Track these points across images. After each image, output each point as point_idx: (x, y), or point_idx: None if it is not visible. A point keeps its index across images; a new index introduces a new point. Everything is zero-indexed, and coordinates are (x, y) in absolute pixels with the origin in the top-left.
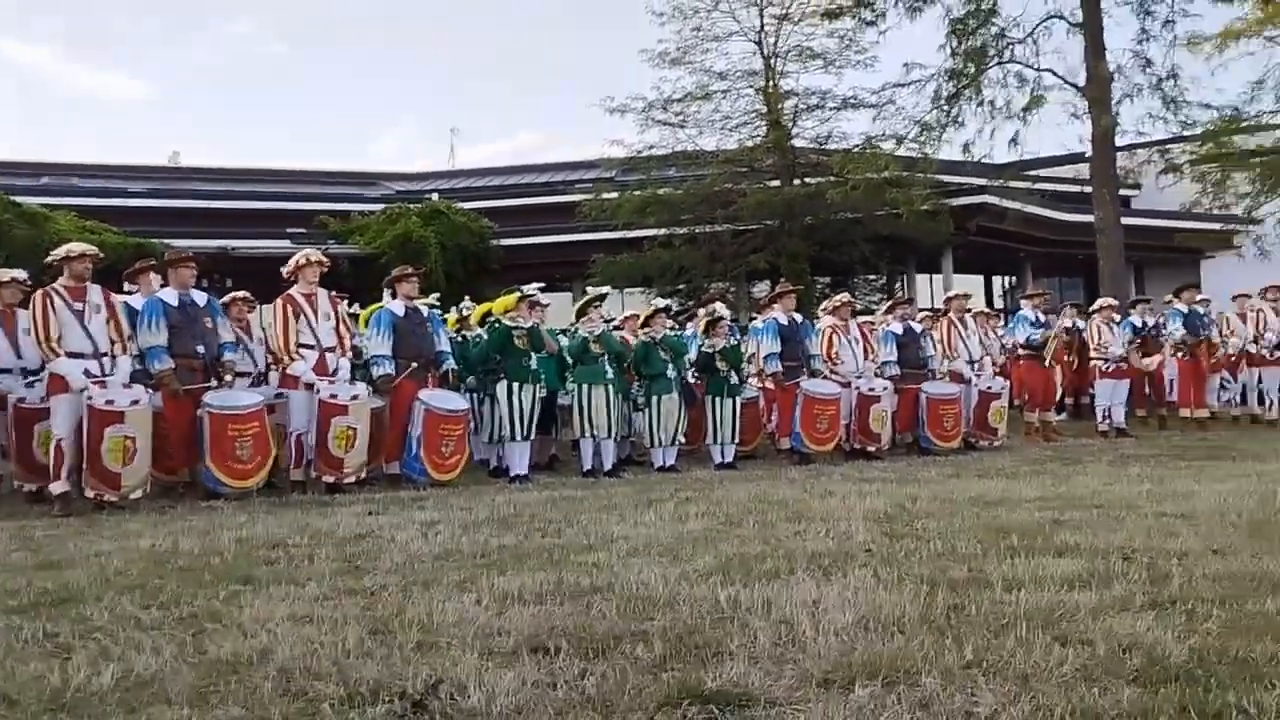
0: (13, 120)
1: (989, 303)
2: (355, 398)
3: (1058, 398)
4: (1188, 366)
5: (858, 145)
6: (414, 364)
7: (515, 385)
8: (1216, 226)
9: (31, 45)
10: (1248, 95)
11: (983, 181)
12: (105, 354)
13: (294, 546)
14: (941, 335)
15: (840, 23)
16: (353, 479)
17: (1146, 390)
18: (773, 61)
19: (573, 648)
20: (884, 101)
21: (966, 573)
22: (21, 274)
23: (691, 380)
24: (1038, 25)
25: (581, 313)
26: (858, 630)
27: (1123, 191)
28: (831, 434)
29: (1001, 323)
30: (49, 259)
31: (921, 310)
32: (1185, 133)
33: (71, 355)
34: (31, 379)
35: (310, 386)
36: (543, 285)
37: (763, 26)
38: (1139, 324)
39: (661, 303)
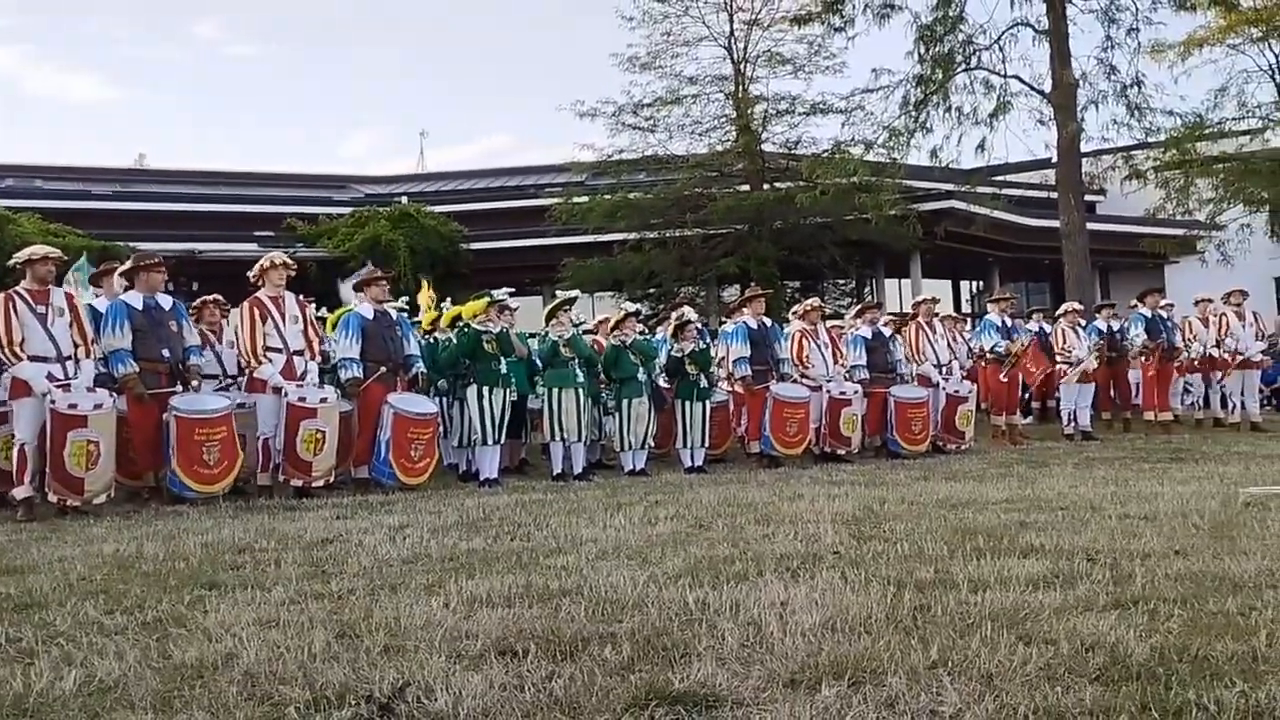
0: None
1: (956, 307)
2: (324, 401)
3: (1025, 401)
4: (1150, 370)
5: (827, 150)
6: (383, 368)
7: (485, 389)
8: (1180, 232)
9: None
10: (1210, 102)
11: (950, 187)
12: (68, 357)
13: (260, 551)
14: (909, 339)
15: (809, 29)
16: (321, 483)
17: (1112, 394)
18: (742, 67)
19: (540, 650)
20: (853, 107)
21: (933, 574)
22: None
23: (661, 384)
24: (1004, 32)
25: (551, 316)
26: (825, 631)
27: (1088, 197)
28: (801, 437)
29: (969, 327)
30: (11, 262)
31: (890, 314)
32: (1149, 139)
33: (34, 359)
34: None
35: (278, 390)
36: (512, 289)
37: (732, 32)
38: (1104, 328)
39: (631, 307)
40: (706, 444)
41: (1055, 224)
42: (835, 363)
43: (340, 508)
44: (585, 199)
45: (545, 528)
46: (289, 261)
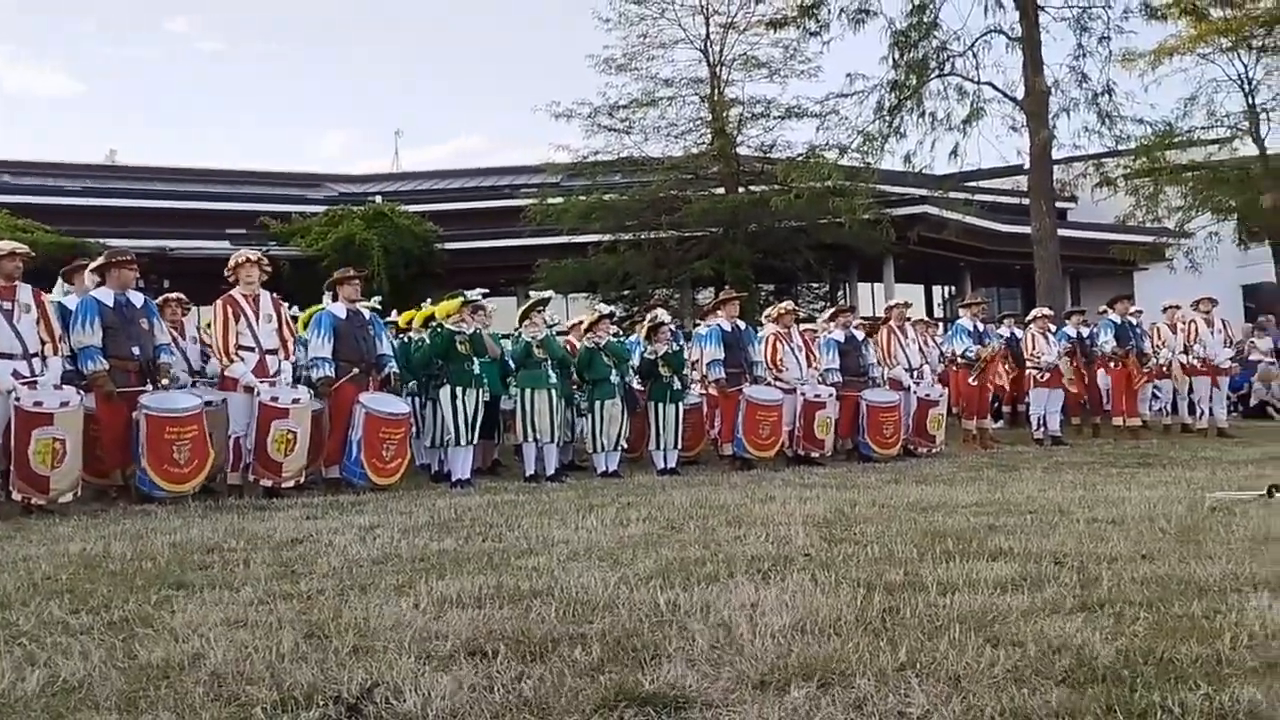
0: None
1: (929, 312)
2: (296, 401)
3: (995, 406)
4: (1119, 376)
5: (801, 154)
6: (355, 368)
7: (458, 390)
8: (1149, 239)
9: None
10: (1180, 111)
11: (923, 192)
12: (35, 354)
13: (229, 551)
14: (882, 343)
15: (785, 32)
16: (291, 483)
17: (1083, 400)
18: (718, 70)
19: (510, 651)
20: (827, 111)
21: (902, 576)
22: None
23: (635, 386)
24: (978, 39)
25: (525, 317)
26: (794, 633)
27: (1059, 204)
28: (773, 440)
29: (941, 331)
30: None
31: (862, 318)
32: (1120, 147)
33: (0, 356)
34: None
35: (250, 389)
36: (486, 290)
37: (708, 35)
38: (1074, 334)
39: (605, 308)
40: (679, 446)
41: (1027, 230)
42: (808, 366)
43: (310, 508)
44: (560, 200)
45: (517, 529)
46: (264, 259)
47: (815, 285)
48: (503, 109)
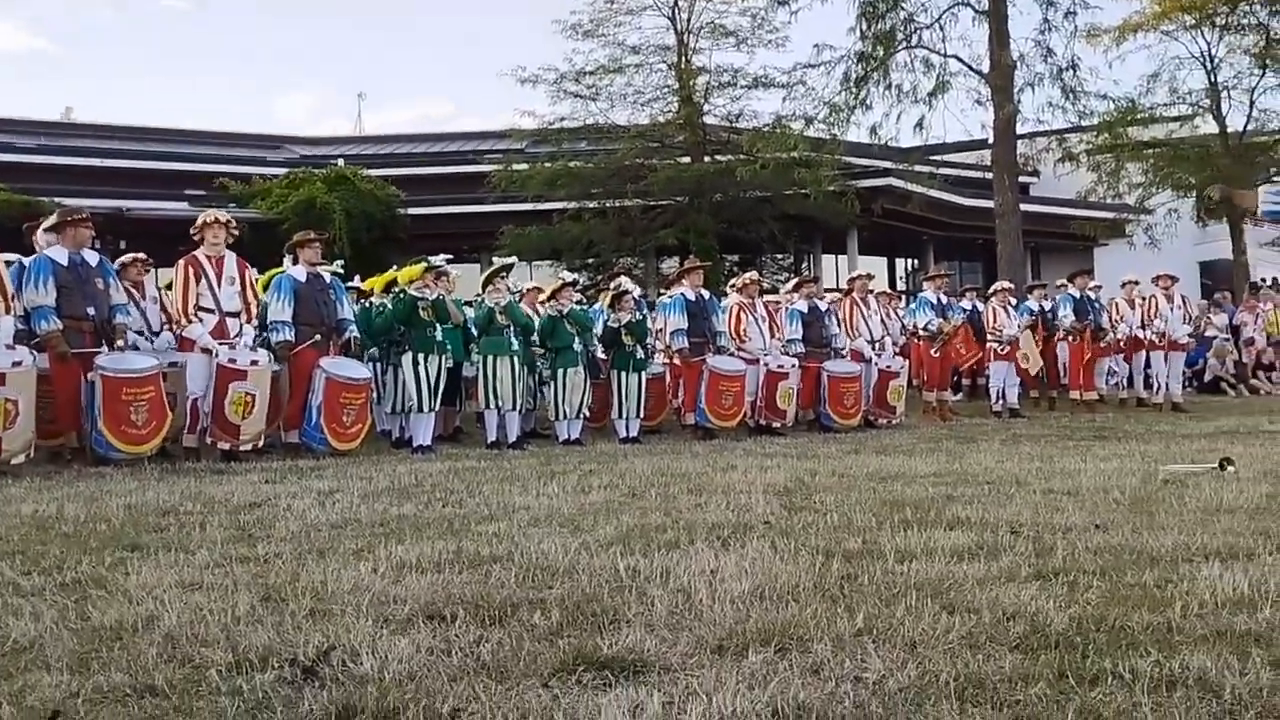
0: None
1: (892, 284)
2: (255, 363)
3: (955, 379)
4: (1077, 350)
5: (768, 124)
6: (316, 333)
7: (420, 356)
8: (1110, 215)
9: None
10: (1143, 88)
11: (888, 165)
12: None
13: (185, 514)
14: (844, 315)
15: (753, 1)
16: (250, 447)
17: (1040, 374)
18: (685, 37)
19: (469, 615)
20: (794, 82)
21: (861, 544)
22: None
23: (598, 355)
24: (945, 11)
25: (488, 283)
26: (753, 599)
27: (1022, 178)
28: (735, 410)
29: (903, 304)
30: None
31: (826, 290)
32: (1082, 123)
33: None
34: None
35: (207, 350)
36: (450, 256)
37: (676, 2)
38: (1035, 308)
39: (569, 276)
40: (641, 415)
41: (989, 204)
42: (772, 336)
43: (269, 472)
44: (525, 166)
45: (478, 495)
46: (230, 221)
47: (779, 256)
48: (468, 73)
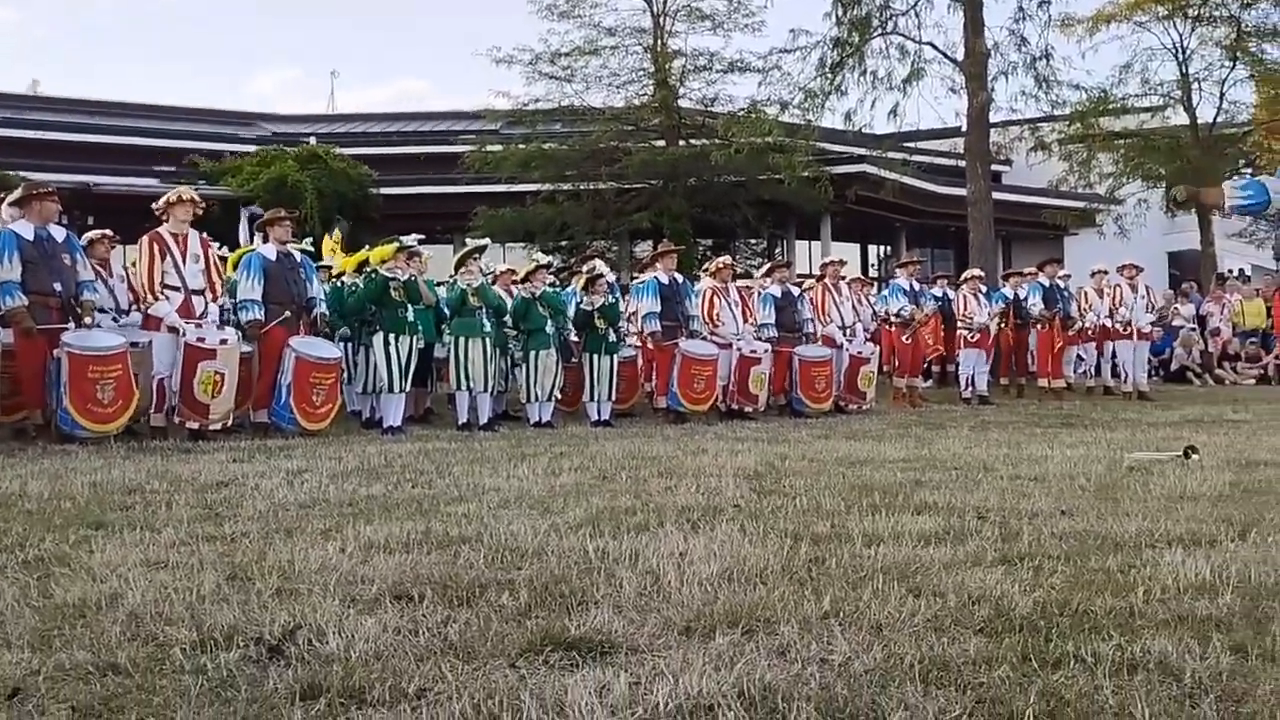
0: None
1: (864, 270)
2: (224, 342)
3: (925, 365)
4: (1045, 338)
5: (743, 109)
6: (286, 312)
7: (391, 336)
8: (1081, 205)
9: None
10: (1115, 78)
11: (862, 151)
12: None
13: (151, 492)
14: (817, 300)
15: None
16: (218, 426)
17: (1012, 360)
18: (662, 20)
19: (437, 595)
20: (770, 66)
21: (829, 528)
22: None
23: (571, 338)
24: None
25: (460, 264)
26: (721, 581)
27: (994, 167)
28: (708, 394)
29: (875, 290)
30: None
31: (799, 275)
32: (1055, 112)
33: None
34: None
35: (174, 329)
36: (422, 236)
37: None
38: (1010, 295)
39: (543, 258)
40: (613, 398)
41: (962, 192)
42: (744, 321)
43: (237, 451)
44: (499, 148)
45: (448, 476)
46: (196, 198)
47: (753, 241)
48: (443, 53)
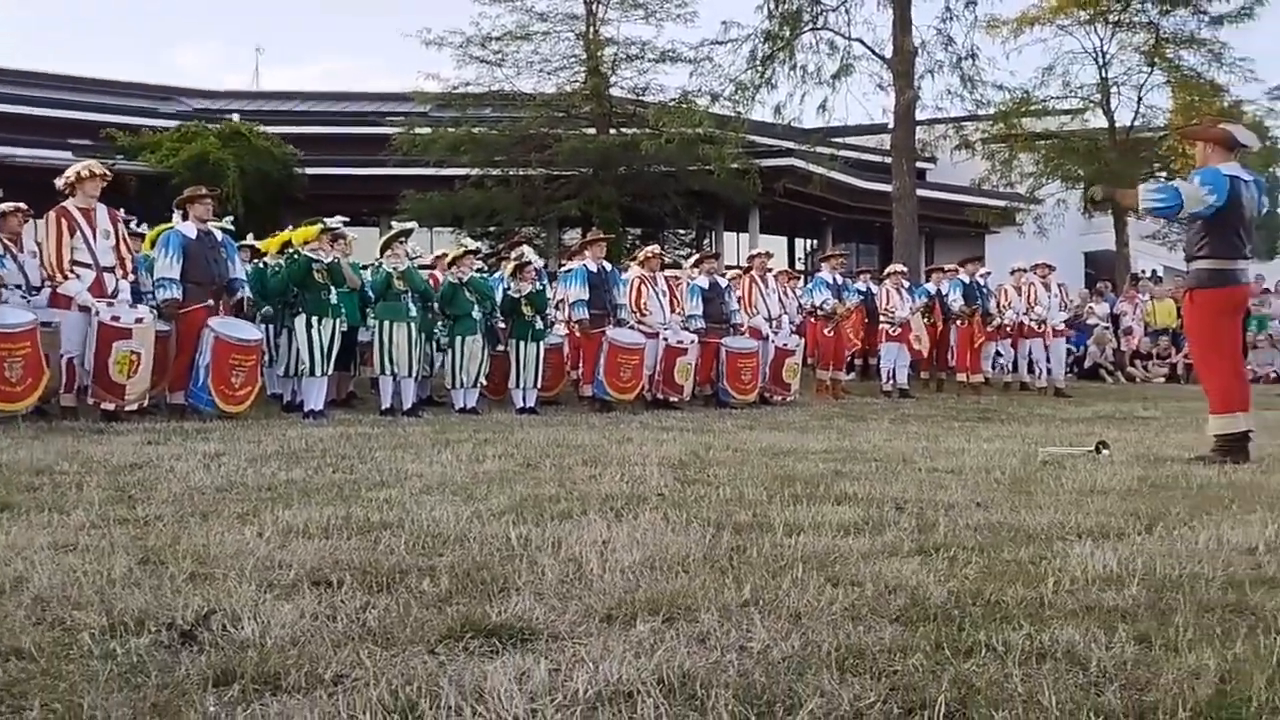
0: None
1: (791, 263)
2: (139, 321)
3: (849, 358)
4: (965, 334)
5: (674, 99)
6: (207, 294)
7: (314, 319)
8: (1002, 204)
9: None
10: (1038, 80)
11: (791, 145)
12: None
13: (61, 474)
14: (744, 292)
15: None
16: (134, 407)
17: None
18: (594, 7)
19: (356, 581)
20: (701, 58)
21: (751, 517)
22: None
23: (498, 325)
24: None
25: (386, 247)
26: (644, 569)
27: (919, 164)
28: (634, 383)
29: (801, 283)
30: None
31: (727, 267)
32: (979, 112)
33: None
34: None
35: (85, 308)
36: (347, 219)
37: None
38: (933, 291)
39: (471, 244)
40: (539, 385)
41: (888, 188)
42: (672, 311)
43: (151, 433)
44: (428, 131)
45: (369, 461)
46: (105, 172)
47: (682, 232)
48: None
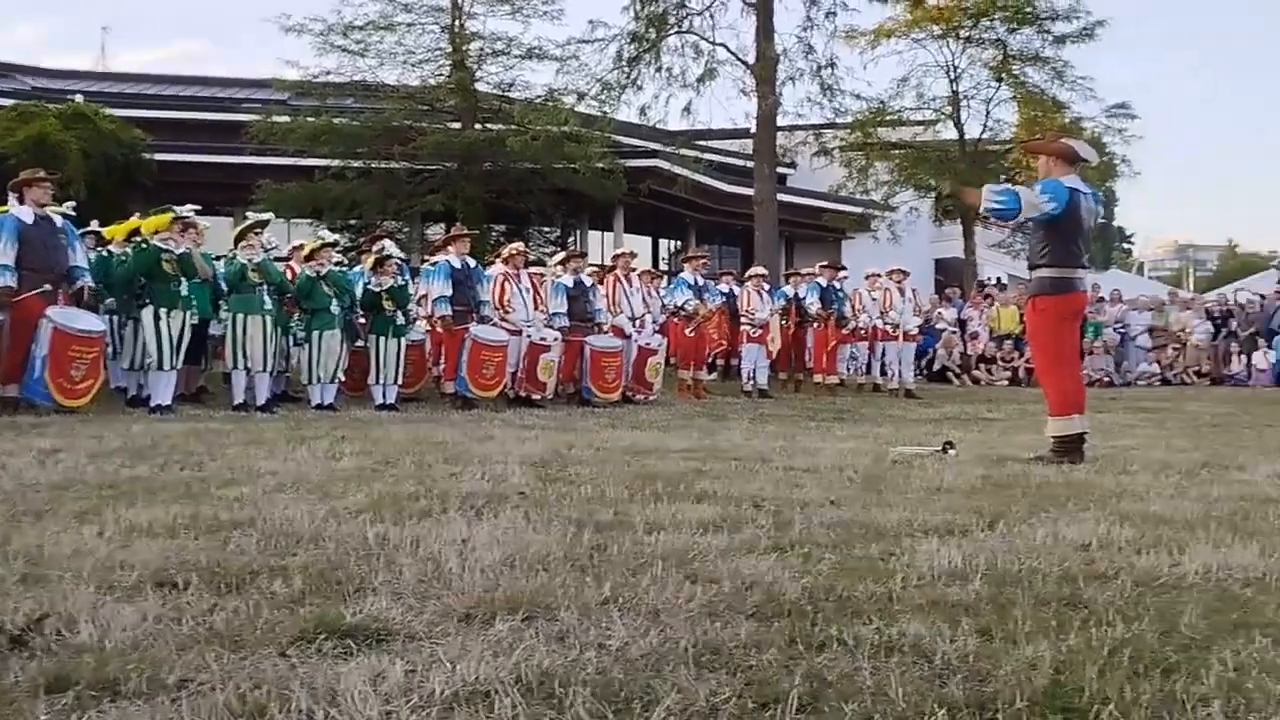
0: None
1: (655, 263)
2: None
3: (710, 359)
4: (821, 336)
5: (540, 96)
6: (46, 284)
7: (162, 311)
8: (858, 210)
9: None
10: (893, 91)
11: (656, 146)
12: None
13: None
14: (608, 290)
15: None
16: None
17: (791, 356)
18: (460, 0)
19: (204, 582)
20: (568, 56)
21: (612, 515)
22: None
23: (358, 320)
24: (716, 0)
25: (241, 238)
26: (504, 568)
27: (780, 169)
28: (497, 380)
29: (664, 283)
30: None
31: (591, 265)
32: (838, 120)
33: None
34: None
35: None
36: (199, 207)
37: None
38: (791, 294)
39: (330, 236)
40: (400, 382)
41: (749, 191)
42: (536, 308)
43: None
44: (286, 119)
45: (220, 458)
46: None
47: (547, 229)
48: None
